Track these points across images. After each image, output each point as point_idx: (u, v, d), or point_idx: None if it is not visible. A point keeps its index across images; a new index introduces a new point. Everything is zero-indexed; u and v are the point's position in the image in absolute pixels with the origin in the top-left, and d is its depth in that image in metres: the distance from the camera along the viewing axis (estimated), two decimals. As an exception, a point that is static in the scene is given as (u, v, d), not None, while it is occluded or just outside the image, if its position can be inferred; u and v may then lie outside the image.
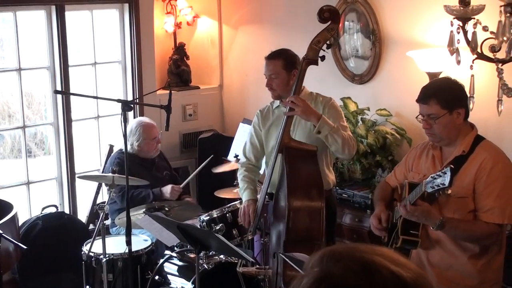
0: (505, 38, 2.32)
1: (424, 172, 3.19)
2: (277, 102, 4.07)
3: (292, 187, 3.64)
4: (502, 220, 3.00)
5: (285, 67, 3.91)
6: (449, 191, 2.82)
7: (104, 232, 4.25)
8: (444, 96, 3.04)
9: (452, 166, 2.83)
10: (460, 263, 3.08)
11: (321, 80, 4.93)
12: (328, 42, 3.73)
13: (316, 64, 3.75)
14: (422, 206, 2.94)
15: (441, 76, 4.34)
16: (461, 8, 2.38)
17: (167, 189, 4.92)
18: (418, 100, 3.12)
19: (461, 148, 3.07)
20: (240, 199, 4.67)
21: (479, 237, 3.03)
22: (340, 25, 4.98)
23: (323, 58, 3.74)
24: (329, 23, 3.69)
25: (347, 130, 3.86)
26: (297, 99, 3.68)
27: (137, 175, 4.56)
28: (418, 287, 1.10)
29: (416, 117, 3.17)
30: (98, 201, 5.39)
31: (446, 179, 2.75)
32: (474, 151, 3.05)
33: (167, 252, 4.51)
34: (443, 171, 2.81)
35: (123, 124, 3.84)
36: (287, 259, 3.23)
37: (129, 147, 4.95)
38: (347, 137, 3.74)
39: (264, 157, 4.16)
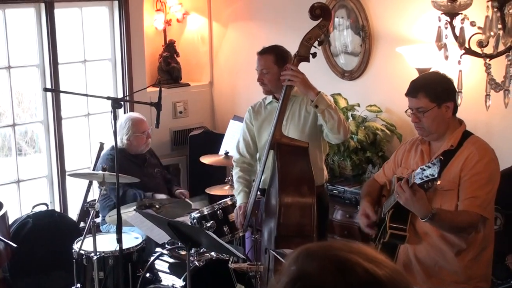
0: (492, 33, 2.33)
1: (413, 167, 3.19)
2: (270, 98, 4.07)
3: (284, 183, 3.65)
4: (480, 211, 3.00)
5: (277, 62, 3.92)
6: (438, 182, 2.82)
7: (95, 230, 4.24)
8: (433, 89, 3.05)
9: (441, 157, 2.84)
10: (447, 259, 3.09)
11: (311, 76, 4.90)
12: (319, 39, 3.74)
13: (308, 61, 3.76)
14: (419, 193, 2.91)
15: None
16: (449, 3, 2.38)
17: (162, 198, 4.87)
18: (407, 94, 3.13)
19: (449, 143, 3.09)
20: (231, 196, 4.69)
21: (462, 227, 3.03)
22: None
23: (314, 55, 3.75)
24: (320, 20, 3.70)
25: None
26: (296, 71, 3.69)
27: (128, 171, 4.55)
28: (393, 284, 1.11)
29: (405, 111, 3.18)
30: (89, 198, 5.38)
31: (435, 170, 2.75)
32: (462, 145, 3.07)
33: (158, 249, 4.51)
34: (432, 162, 2.82)
35: (113, 121, 3.84)
36: (277, 255, 3.24)
37: (119, 142, 4.93)
38: (343, 117, 3.76)
39: (258, 153, 4.16)
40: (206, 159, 5.13)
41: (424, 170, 2.82)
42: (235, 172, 4.16)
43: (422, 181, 2.83)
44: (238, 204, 4.08)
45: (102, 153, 5.22)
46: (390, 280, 1.11)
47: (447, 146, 3.09)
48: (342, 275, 1.10)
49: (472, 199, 2.99)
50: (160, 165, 5.38)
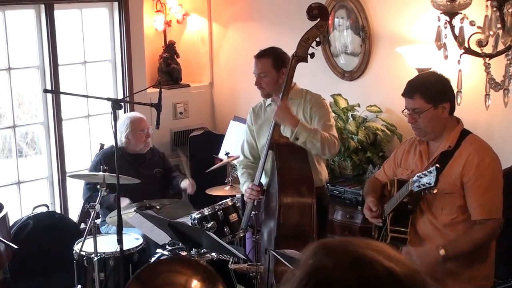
0: (491, 33, 2.33)
1: (412, 168, 3.20)
2: (269, 100, 4.07)
3: (283, 184, 3.65)
4: (493, 215, 3.01)
5: (274, 66, 3.91)
6: (435, 191, 2.85)
7: (96, 231, 4.24)
8: (429, 90, 3.05)
9: (437, 165, 2.86)
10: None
11: (311, 77, 4.93)
12: (317, 39, 3.74)
13: (306, 61, 3.75)
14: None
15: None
16: (448, 3, 2.39)
17: (124, 202, 4.72)
18: (403, 94, 3.14)
19: (447, 143, 3.09)
20: (231, 196, 4.69)
21: (483, 240, 3.04)
22: (329, 22, 5.00)
23: (312, 55, 3.75)
24: (318, 20, 3.70)
25: (332, 129, 3.84)
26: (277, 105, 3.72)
27: (121, 171, 4.50)
28: (411, 283, 1.09)
29: (402, 111, 3.19)
30: (89, 200, 5.37)
31: (432, 179, 2.79)
32: (460, 146, 3.07)
33: (158, 250, 4.50)
34: (428, 170, 2.84)
35: (113, 122, 3.83)
36: (277, 256, 3.24)
37: (118, 140, 4.89)
38: (326, 138, 3.71)
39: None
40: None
41: (421, 178, 2.85)
42: (239, 170, 4.16)
43: (420, 189, 2.88)
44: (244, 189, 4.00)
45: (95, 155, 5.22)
46: (408, 279, 1.09)
47: (445, 147, 3.09)
48: (360, 271, 1.08)
49: (482, 206, 3.00)
50: (163, 164, 5.31)
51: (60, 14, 5.56)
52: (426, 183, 2.83)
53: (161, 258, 4.34)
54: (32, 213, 5.28)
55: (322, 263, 1.10)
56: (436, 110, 3.04)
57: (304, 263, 1.13)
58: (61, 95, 5.56)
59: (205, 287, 2.97)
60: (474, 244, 3.04)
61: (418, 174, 2.90)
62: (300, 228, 3.65)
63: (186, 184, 5.05)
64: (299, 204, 3.65)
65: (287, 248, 3.30)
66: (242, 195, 4.24)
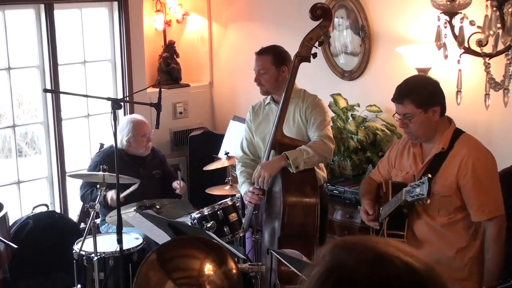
0: (491, 32, 2.34)
1: (407, 170, 3.21)
2: (269, 99, 4.07)
3: (287, 184, 3.65)
4: (495, 214, 3.01)
5: (274, 63, 3.91)
6: (428, 201, 2.87)
7: (95, 230, 4.24)
8: (419, 95, 3.04)
9: (429, 176, 2.86)
10: (448, 257, 3.10)
11: (311, 77, 4.93)
12: (319, 40, 3.74)
13: (309, 61, 3.76)
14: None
15: (429, 73, 4.37)
16: (448, 2, 2.39)
17: (109, 195, 4.69)
18: (393, 100, 3.14)
19: (440, 145, 3.08)
20: (231, 196, 4.69)
21: (498, 243, 3.05)
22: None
23: (315, 55, 3.75)
24: (321, 20, 3.70)
25: (325, 127, 3.84)
26: (254, 192, 3.73)
27: (121, 170, 4.49)
28: (430, 279, 1.10)
29: (393, 116, 3.20)
30: (89, 199, 5.36)
31: (424, 190, 2.82)
32: (453, 147, 3.07)
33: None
34: (421, 180, 2.85)
35: (113, 122, 3.83)
36: (278, 256, 3.24)
37: (118, 143, 4.89)
38: (316, 145, 3.71)
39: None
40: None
41: (414, 188, 2.88)
42: (238, 168, 4.14)
43: (413, 199, 2.91)
44: (243, 192, 4.01)
45: (94, 154, 5.21)
46: (428, 275, 1.10)
47: (438, 149, 3.09)
48: (381, 267, 1.08)
49: (482, 208, 3.01)
50: (163, 167, 5.30)
51: (60, 14, 5.56)
52: (420, 193, 2.85)
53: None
54: (32, 212, 5.28)
55: (342, 260, 1.10)
56: (427, 114, 3.04)
57: (322, 260, 1.12)
58: (61, 95, 5.56)
59: (217, 268, 3.00)
60: (497, 258, 3.05)
61: (411, 184, 2.92)
62: (303, 228, 3.66)
63: (177, 185, 4.98)
64: (304, 204, 3.66)
65: (290, 247, 3.31)
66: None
